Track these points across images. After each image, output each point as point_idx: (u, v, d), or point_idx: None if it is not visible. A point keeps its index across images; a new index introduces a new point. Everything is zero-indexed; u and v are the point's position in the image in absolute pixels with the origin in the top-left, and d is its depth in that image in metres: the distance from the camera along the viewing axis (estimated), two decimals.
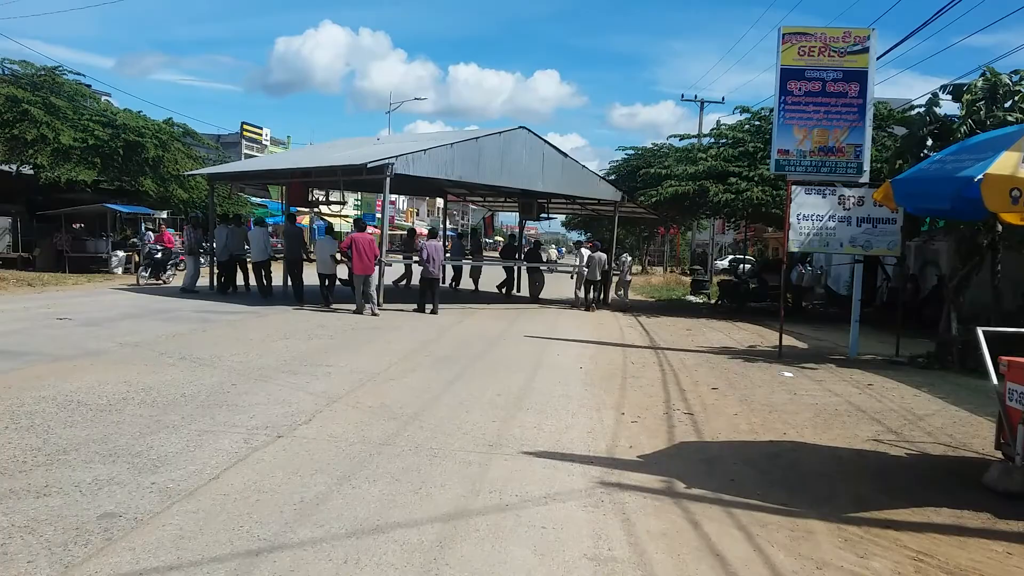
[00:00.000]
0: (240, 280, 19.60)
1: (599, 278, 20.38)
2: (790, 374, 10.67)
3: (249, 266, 19.29)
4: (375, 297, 15.90)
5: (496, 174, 18.58)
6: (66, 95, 28.47)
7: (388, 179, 16.09)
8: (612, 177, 42.94)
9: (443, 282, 23.20)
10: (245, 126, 70.98)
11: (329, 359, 9.81)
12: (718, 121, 22.26)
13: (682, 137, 24.55)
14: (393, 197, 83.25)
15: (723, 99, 47.08)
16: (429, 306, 16.66)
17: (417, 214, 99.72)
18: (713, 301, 24.64)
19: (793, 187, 12.12)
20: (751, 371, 10.89)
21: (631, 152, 41.83)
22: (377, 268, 15.98)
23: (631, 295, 23.16)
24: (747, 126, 21.29)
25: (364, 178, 17.24)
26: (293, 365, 9.24)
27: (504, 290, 23.29)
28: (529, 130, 19.38)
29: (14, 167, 27.93)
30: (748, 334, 16.02)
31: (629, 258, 21.56)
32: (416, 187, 28.68)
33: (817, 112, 12.04)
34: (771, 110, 21.05)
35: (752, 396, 8.99)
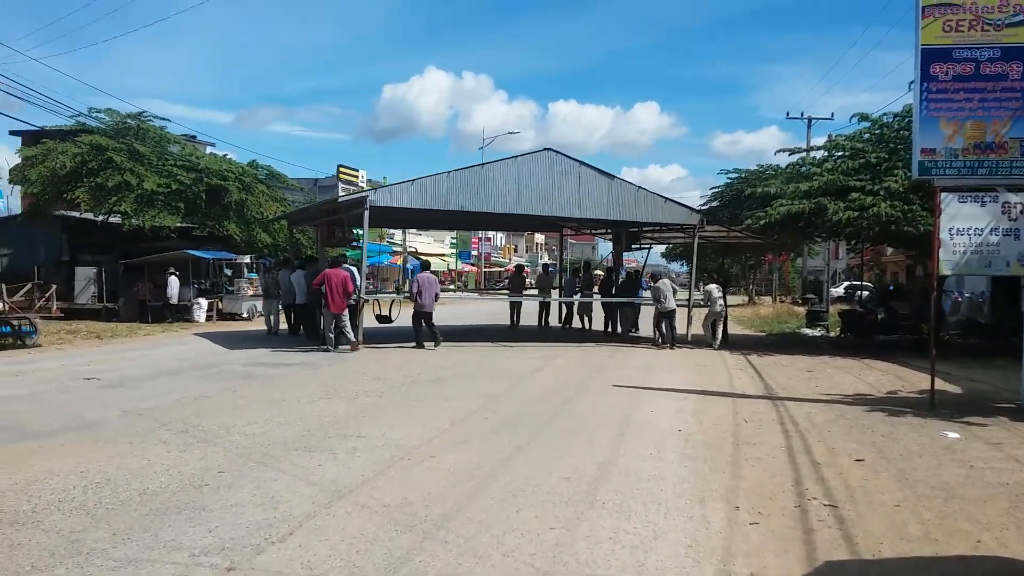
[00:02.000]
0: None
1: (671, 308, 18.06)
2: (955, 435, 8.22)
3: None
4: (350, 335, 15.52)
5: (512, 203, 17.49)
6: (151, 141, 28.18)
7: (366, 212, 16.27)
8: (715, 204, 40.56)
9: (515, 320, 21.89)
10: (341, 169, 71.24)
11: (364, 426, 7.98)
12: (830, 135, 19.66)
13: (792, 151, 21.94)
14: (490, 234, 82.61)
15: (832, 115, 43.75)
16: (431, 343, 16.27)
17: (515, 250, 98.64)
18: (834, 335, 21.89)
19: (943, 195, 9.69)
20: (901, 431, 8.49)
21: (734, 176, 39.24)
22: (356, 304, 16.01)
23: (730, 330, 20.57)
24: (867, 135, 18.68)
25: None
26: (315, 437, 7.44)
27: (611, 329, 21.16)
28: (556, 151, 18.08)
29: (100, 217, 27.76)
30: (883, 375, 13.45)
31: (715, 288, 18.94)
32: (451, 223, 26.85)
33: (970, 101, 9.58)
34: (896, 115, 18.70)
35: (913, 473, 6.65)
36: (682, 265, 45.88)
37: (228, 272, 29.96)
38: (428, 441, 7.35)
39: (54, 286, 18.14)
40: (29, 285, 17.70)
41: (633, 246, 23.74)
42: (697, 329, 19.02)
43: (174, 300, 24.18)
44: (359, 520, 5.02)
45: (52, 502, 5.23)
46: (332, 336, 15.37)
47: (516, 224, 29.22)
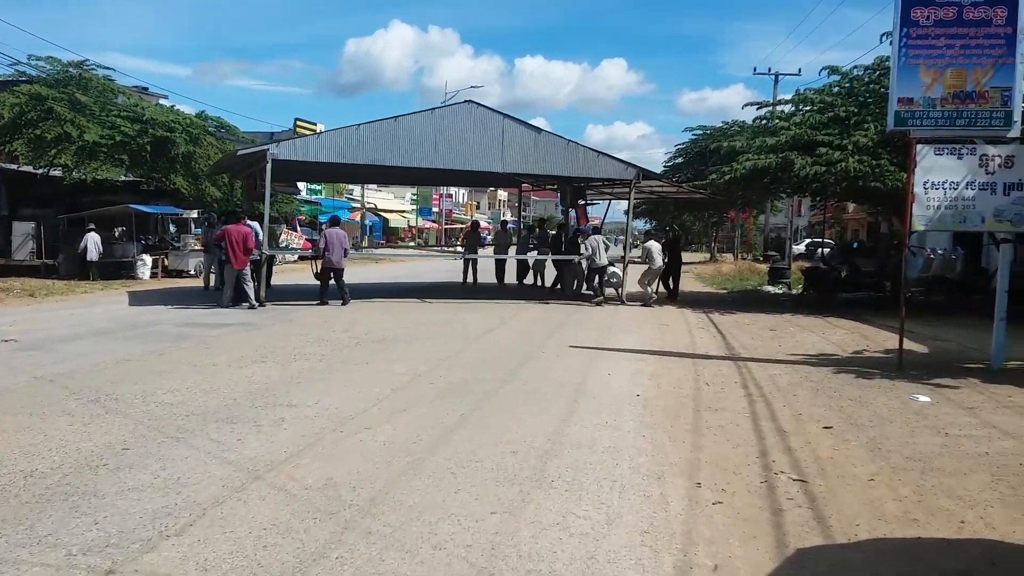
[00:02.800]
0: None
1: (603, 264, 17.80)
2: (926, 398, 7.79)
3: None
4: (250, 292, 15.09)
5: (429, 156, 16.88)
6: (94, 91, 26.79)
7: (269, 165, 15.86)
8: (679, 160, 40.02)
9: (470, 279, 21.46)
10: (298, 122, 69.40)
11: (297, 394, 7.32)
12: (798, 90, 19.07)
13: (760, 105, 21.39)
14: (452, 190, 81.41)
15: (799, 71, 43.06)
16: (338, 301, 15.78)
17: (478, 207, 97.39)
18: (796, 292, 21.58)
19: (919, 147, 9.17)
20: (870, 394, 8.04)
21: (699, 132, 38.69)
22: (254, 262, 15.63)
23: (692, 287, 20.19)
24: (836, 88, 18.13)
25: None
26: (240, 407, 6.77)
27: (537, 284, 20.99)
28: (478, 103, 17.49)
29: (40, 170, 26.47)
30: (848, 334, 13.08)
31: (654, 244, 18.36)
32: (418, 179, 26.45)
33: (951, 48, 9.01)
34: (867, 68, 18.13)
35: (885, 442, 6.18)
36: (645, 222, 45.43)
37: (174, 228, 28.90)
38: (365, 411, 6.73)
39: None
40: None
41: (580, 202, 23.06)
42: (634, 287, 18.49)
43: (92, 257, 23.09)
44: (273, 506, 4.39)
45: None
46: (235, 294, 15.13)
47: (467, 179, 28.57)
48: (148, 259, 24.95)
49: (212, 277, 19.26)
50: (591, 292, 18.23)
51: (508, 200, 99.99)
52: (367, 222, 57.47)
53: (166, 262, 25.54)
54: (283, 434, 5.92)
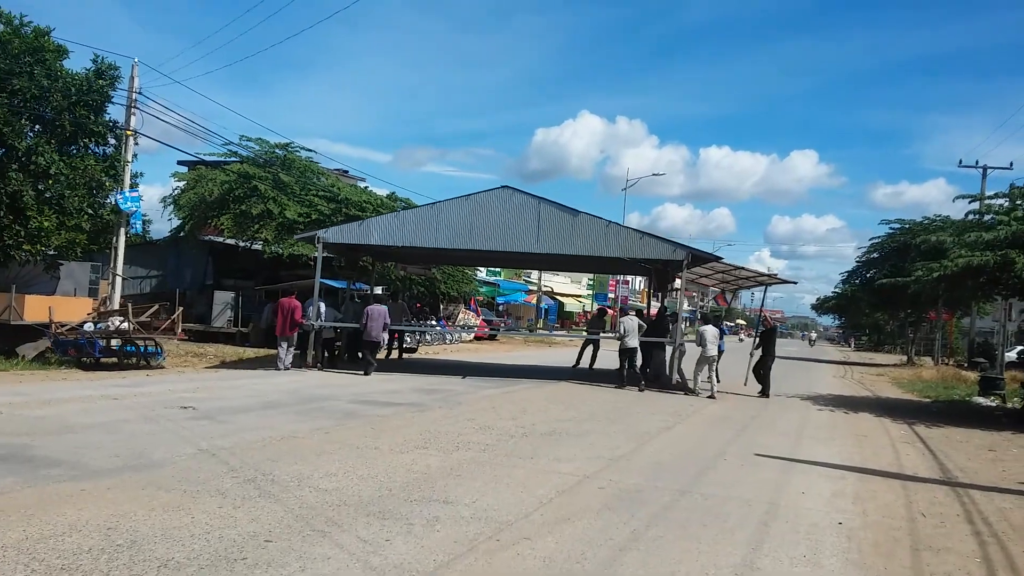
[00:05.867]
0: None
1: (632, 346, 17.44)
2: None
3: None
4: (285, 359, 17.33)
5: (464, 238, 17.94)
6: (296, 171, 28.49)
7: (320, 247, 18.30)
8: (874, 255, 37.68)
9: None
10: None
11: (454, 488, 6.80)
12: (1012, 185, 17.25)
13: (973, 198, 19.52)
14: (628, 277, 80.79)
15: (1011, 164, 39.56)
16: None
17: (654, 294, 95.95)
18: (1014, 406, 19.14)
19: None
20: None
21: (896, 227, 36.35)
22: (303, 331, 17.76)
23: (889, 393, 18.30)
24: None
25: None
26: (394, 499, 6.31)
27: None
28: (514, 188, 18.26)
29: (243, 243, 28.25)
30: None
31: (711, 330, 17.33)
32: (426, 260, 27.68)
33: None
34: None
35: None
36: (833, 319, 42.81)
37: (403, 303, 29.87)
38: (525, 516, 6.09)
39: (180, 308, 18.05)
40: (156, 306, 17.70)
41: (669, 286, 23.05)
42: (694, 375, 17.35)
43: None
44: None
45: (51, 570, 4.29)
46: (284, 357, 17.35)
47: (554, 264, 29.47)
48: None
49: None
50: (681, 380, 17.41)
51: (685, 289, 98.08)
52: (543, 305, 57.74)
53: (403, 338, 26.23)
54: (435, 537, 5.38)
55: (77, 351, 16.21)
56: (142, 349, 16.93)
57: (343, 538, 5.22)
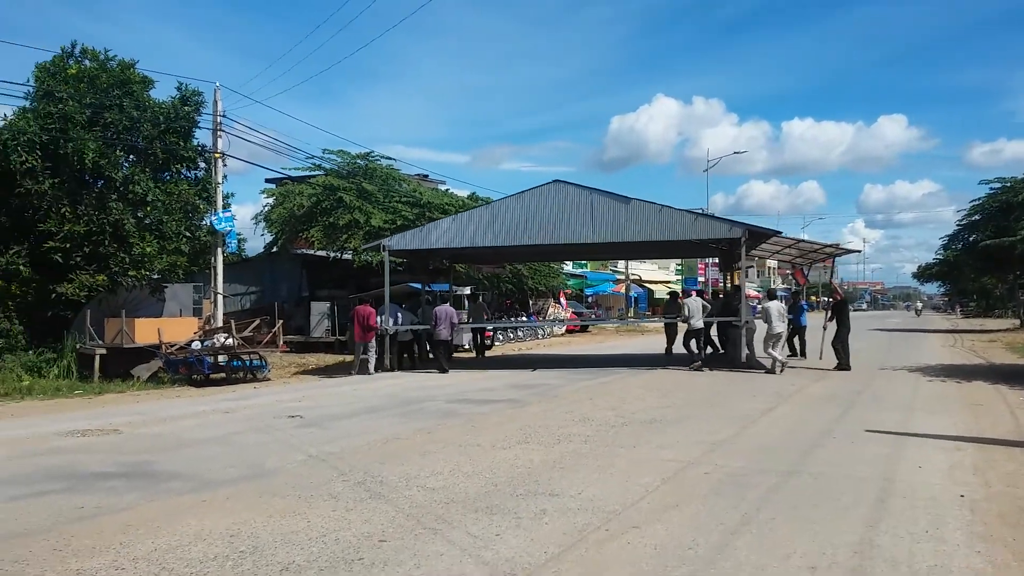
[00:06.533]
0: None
1: (698, 327, 17.81)
2: None
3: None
4: (370, 363, 18.00)
5: (520, 234, 18.55)
6: (378, 179, 28.99)
7: (386, 255, 19.48)
8: (975, 218, 36.00)
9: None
10: None
11: (559, 481, 6.82)
12: None
13: None
14: (716, 260, 79.53)
15: None
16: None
17: (746, 275, 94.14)
18: None
19: None
20: None
21: (998, 186, 34.71)
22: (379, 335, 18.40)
23: (1006, 359, 17.41)
24: None
25: None
26: (500, 493, 6.38)
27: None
28: (564, 182, 18.67)
29: (333, 254, 28.95)
30: None
31: (776, 306, 17.12)
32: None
33: None
34: None
35: None
36: (938, 287, 41.16)
37: (481, 302, 30.24)
38: (632, 504, 6.06)
39: (280, 321, 18.63)
40: (257, 320, 18.31)
41: (735, 265, 22.74)
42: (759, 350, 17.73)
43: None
44: None
45: None
46: (362, 363, 18.00)
47: (619, 251, 30.86)
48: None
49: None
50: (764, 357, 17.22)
51: (779, 268, 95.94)
52: (632, 294, 57.30)
53: (478, 337, 26.63)
54: (544, 529, 5.41)
55: (187, 369, 16.90)
56: (247, 363, 17.53)
57: (454, 535, 5.30)
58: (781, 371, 16.39)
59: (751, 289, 65.20)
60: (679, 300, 20.79)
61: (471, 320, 25.19)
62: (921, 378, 15.55)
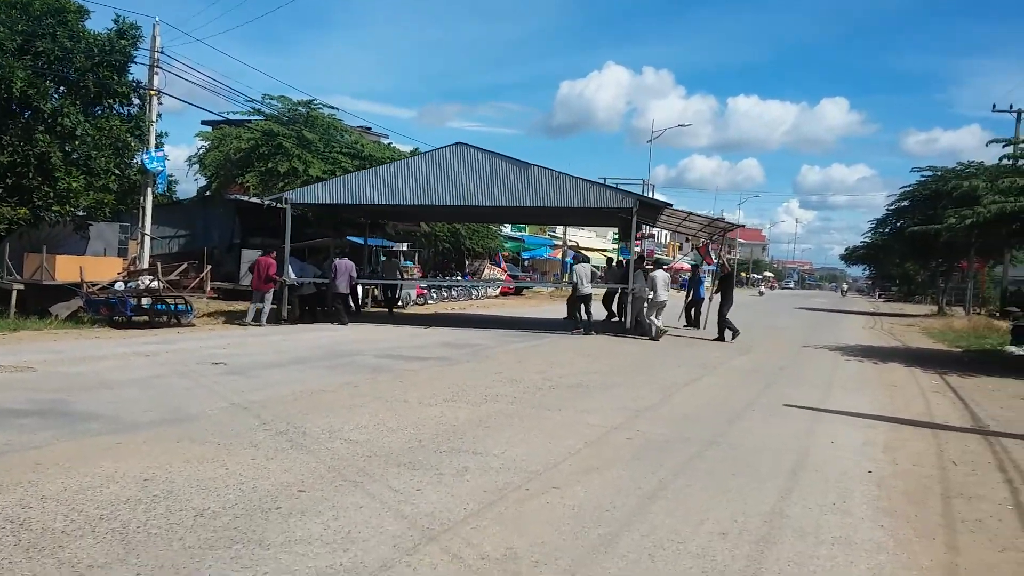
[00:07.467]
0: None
1: (588, 292, 18.54)
2: None
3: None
4: (264, 314, 18.02)
5: (420, 194, 18.82)
6: (320, 128, 28.38)
7: (288, 208, 19.69)
8: (904, 204, 36.99)
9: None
10: None
11: (484, 440, 6.85)
12: None
13: (1008, 142, 19.09)
14: (653, 231, 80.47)
15: None
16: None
17: (680, 247, 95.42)
18: None
19: None
20: None
21: (928, 174, 35.63)
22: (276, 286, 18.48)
23: (919, 344, 18.13)
24: None
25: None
26: (424, 450, 6.38)
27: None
28: (467, 145, 18.91)
29: (267, 201, 28.34)
30: None
31: (661, 275, 18.19)
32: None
33: None
34: None
35: None
36: (863, 270, 42.34)
37: (395, 259, 29.99)
38: (554, 466, 6.13)
39: (208, 266, 18.20)
40: (184, 265, 17.86)
41: (639, 234, 24.36)
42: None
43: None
44: None
45: (91, 519, 4.39)
46: (256, 313, 18.02)
47: (521, 216, 31.05)
48: (359, 289, 25.95)
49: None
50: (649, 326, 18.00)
51: (712, 241, 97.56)
52: (568, 259, 57.63)
53: (375, 292, 26.45)
54: (465, 487, 5.43)
55: (109, 310, 16.43)
56: (172, 308, 17.13)
57: (374, 488, 5.29)
58: (658, 338, 17.21)
59: (684, 262, 66.15)
60: (612, 267, 21.19)
61: (383, 276, 25.13)
62: (840, 357, 16.04)
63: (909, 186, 36.36)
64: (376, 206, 20.39)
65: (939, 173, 33.86)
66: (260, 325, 17.62)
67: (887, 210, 39.04)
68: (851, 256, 55.29)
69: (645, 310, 18.01)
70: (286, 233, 19.51)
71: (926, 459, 7.20)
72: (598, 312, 21.67)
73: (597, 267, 21.11)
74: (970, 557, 4.66)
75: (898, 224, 36.94)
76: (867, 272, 75.64)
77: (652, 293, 17.68)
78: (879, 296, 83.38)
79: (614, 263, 27.86)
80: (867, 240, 47.13)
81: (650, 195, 42.74)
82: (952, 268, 45.31)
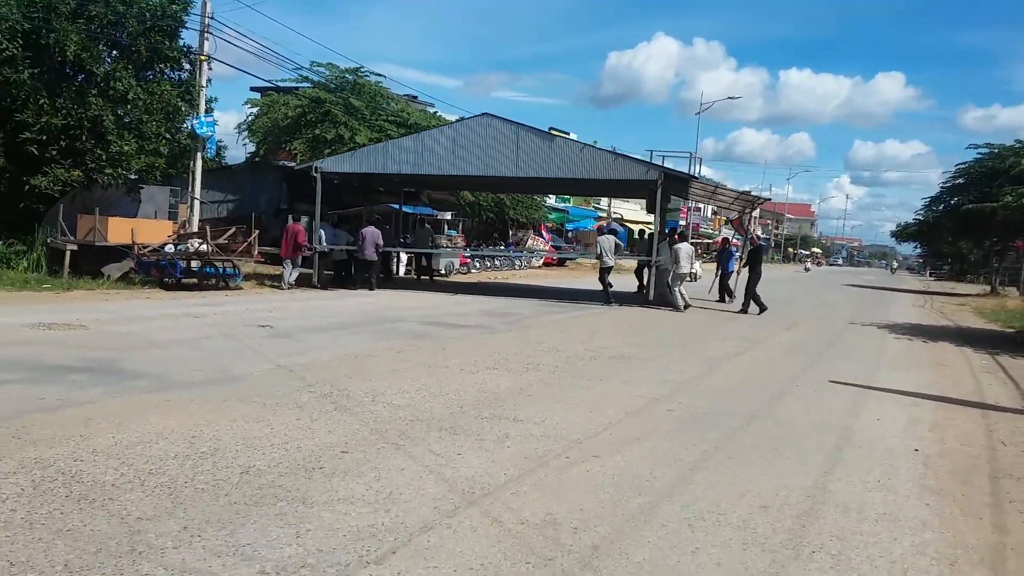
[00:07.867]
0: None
1: (611, 264, 18.90)
2: None
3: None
4: (291, 278, 18.56)
5: (447, 164, 18.95)
6: (367, 96, 28.43)
7: (318, 177, 19.79)
8: (959, 181, 36.01)
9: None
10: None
11: (525, 407, 6.87)
12: None
13: None
14: (699, 205, 79.63)
15: None
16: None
17: (727, 221, 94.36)
18: None
19: None
20: None
21: (985, 152, 34.65)
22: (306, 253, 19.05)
23: (971, 323, 17.73)
24: None
25: None
26: (465, 416, 6.43)
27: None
28: (494, 116, 19.00)
29: (296, 167, 28.56)
30: None
31: (685, 248, 18.35)
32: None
33: None
34: None
35: None
36: (914, 247, 41.44)
37: (428, 227, 30.07)
38: (595, 435, 6.13)
39: (256, 231, 18.43)
40: (233, 229, 18.10)
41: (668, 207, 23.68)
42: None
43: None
44: (484, 541, 3.89)
45: (140, 474, 4.50)
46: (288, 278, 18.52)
47: (546, 187, 31.41)
48: (404, 257, 26.12)
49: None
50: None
51: (760, 217, 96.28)
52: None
53: (422, 261, 26.61)
54: (505, 452, 5.46)
55: (159, 272, 16.75)
56: (220, 271, 17.40)
57: (416, 451, 5.34)
58: (685, 309, 17.36)
59: (728, 236, 65.30)
60: (643, 239, 21.25)
61: (415, 245, 25.23)
62: (888, 335, 15.77)
63: (965, 163, 35.32)
64: (403, 175, 20.60)
65: (996, 151, 32.82)
66: (284, 289, 18.17)
67: (941, 187, 38.00)
68: (902, 233, 54.03)
69: (670, 282, 17.89)
70: (317, 200, 19.86)
71: (974, 439, 7.06)
72: (627, 284, 21.69)
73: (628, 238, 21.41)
74: (1018, 537, 4.57)
75: (952, 202, 35.95)
76: (918, 250, 74.05)
77: (676, 265, 17.67)
78: (930, 275, 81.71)
79: (645, 235, 27.71)
80: (919, 218, 46.02)
81: (697, 168, 42.14)
82: (1007, 248, 44.11)
